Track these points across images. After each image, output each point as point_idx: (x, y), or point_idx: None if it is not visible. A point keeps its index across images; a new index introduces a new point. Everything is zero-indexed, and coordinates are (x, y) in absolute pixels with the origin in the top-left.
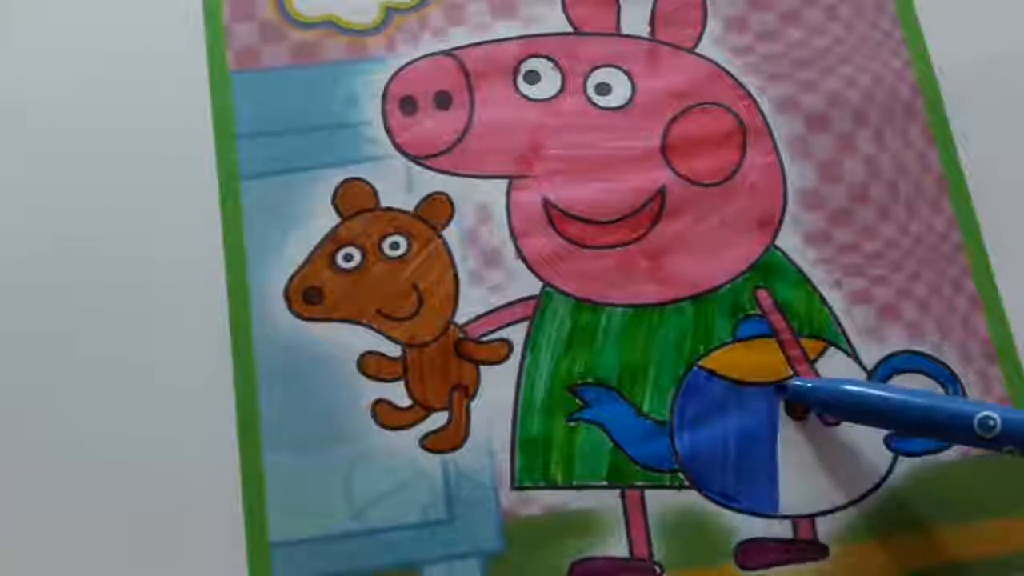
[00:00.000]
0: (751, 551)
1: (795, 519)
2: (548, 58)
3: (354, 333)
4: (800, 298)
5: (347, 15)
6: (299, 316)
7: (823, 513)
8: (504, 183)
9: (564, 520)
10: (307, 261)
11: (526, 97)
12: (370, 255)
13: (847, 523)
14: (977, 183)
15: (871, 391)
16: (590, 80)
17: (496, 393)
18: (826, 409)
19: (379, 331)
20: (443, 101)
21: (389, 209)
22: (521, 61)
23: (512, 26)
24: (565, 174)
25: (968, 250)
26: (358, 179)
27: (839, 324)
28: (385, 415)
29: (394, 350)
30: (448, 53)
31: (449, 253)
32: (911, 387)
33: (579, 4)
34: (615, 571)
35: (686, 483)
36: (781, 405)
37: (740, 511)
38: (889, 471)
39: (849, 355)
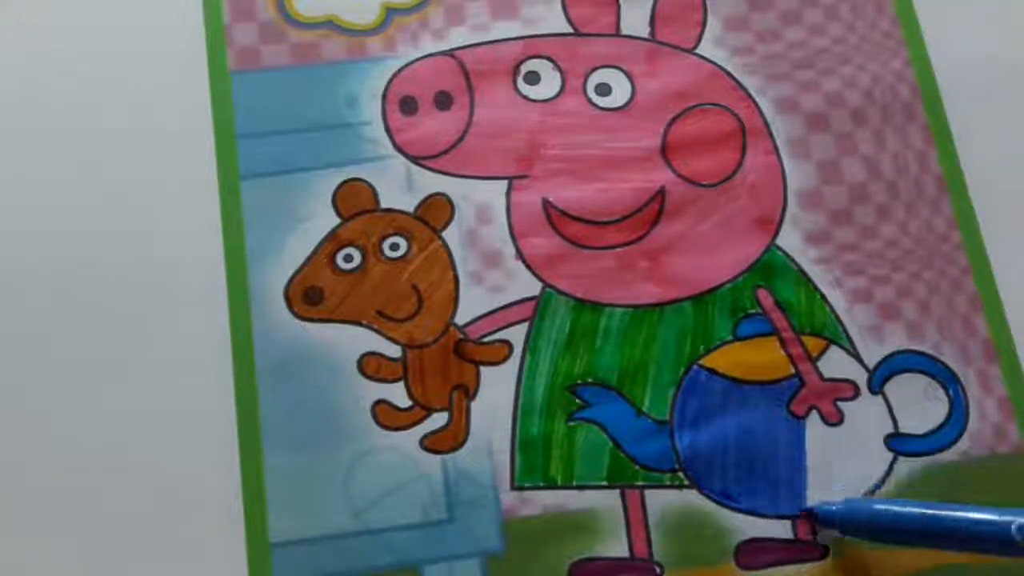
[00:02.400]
0: (751, 551)
1: (795, 519)
2: (548, 59)
3: (354, 334)
4: (801, 297)
5: (347, 15)
6: (299, 316)
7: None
8: (504, 184)
9: (564, 520)
10: (307, 261)
11: (526, 98)
12: (370, 256)
13: None
14: (977, 183)
15: (905, 510)
16: (590, 80)
17: (496, 393)
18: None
19: (379, 332)
20: (443, 101)
21: (389, 210)
22: (521, 61)
23: (512, 26)
24: (565, 175)
25: (968, 250)
26: (358, 179)
27: (840, 323)
28: (385, 415)
29: (394, 351)
30: (448, 53)
31: (449, 254)
32: (911, 394)
33: (579, 4)
34: (615, 571)
35: (686, 483)
36: (784, 406)
37: (740, 511)
38: (889, 471)
39: (850, 354)
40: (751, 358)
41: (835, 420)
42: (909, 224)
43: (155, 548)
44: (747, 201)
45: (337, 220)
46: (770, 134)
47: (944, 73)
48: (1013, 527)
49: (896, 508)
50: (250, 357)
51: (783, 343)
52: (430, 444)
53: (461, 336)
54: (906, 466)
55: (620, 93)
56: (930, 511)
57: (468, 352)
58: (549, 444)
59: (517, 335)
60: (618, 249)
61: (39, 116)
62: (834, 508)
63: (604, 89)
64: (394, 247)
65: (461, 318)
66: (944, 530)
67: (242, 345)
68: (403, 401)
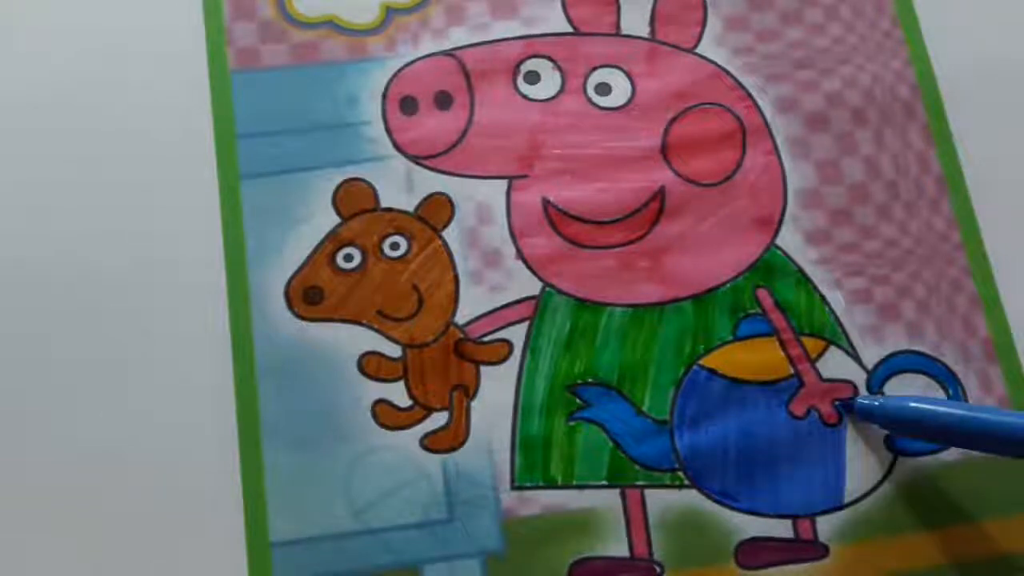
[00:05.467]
0: (751, 551)
1: (795, 519)
2: (548, 58)
3: (354, 333)
4: (800, 297)
5: (347, 15)
6: (299, 316)
7: (823, 513)
8: (504, 183)
9: (564, 520)
10: (307, 261)
11: (526, 97)
12: (370, 255)
13: (847, 523)
14: (977, 183)
15: (943, 409)
16: (590, 80)
17: (496, 393)
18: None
19: (379, 331)
20: (443, 101)
21: (389, 209)
22: (521, 61)
23: (512, 26)
24: (565, 174)
25: (968, 250)
26: (358, 179)
27: (839, 323)
28: (385, 415)
29: (394, 350)
30: (448, 53)
31: (449, 253)
32: (911, 388)
33: (579, 4)
34: (615, 571)
35: (686, 482)
36: (783, 406)
37: (740, 511)
38: (889, 471)
39: (849, 354)
40: (751, 358)
41: (834, 421)
42: (909, 224)
43: (155, 548)
44: (747, 201)
45: (337, 220)
46: (770, 134)
47: (944, 73)
48: None
49: (936, 407)
50: (250, 357)
51: (783, 343)
52: (430, 444)
53: (461, 336)
54: (906, 466)
55: (620, 93)
56: (972, 412)
57: (468, 352)
58: (549, 444)
59: (517, 335)
60: (618, 249)
61: (39, 116)
62: (876, 403)
63: (604, 89)
64: (394, 247)
65: (461, 318)
66: (984, 429)
67: (242, 345)
68: (403, 401)
